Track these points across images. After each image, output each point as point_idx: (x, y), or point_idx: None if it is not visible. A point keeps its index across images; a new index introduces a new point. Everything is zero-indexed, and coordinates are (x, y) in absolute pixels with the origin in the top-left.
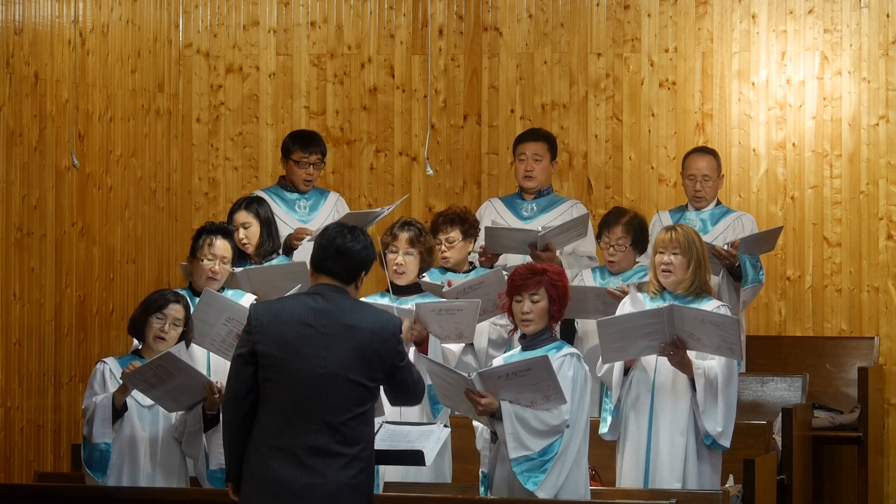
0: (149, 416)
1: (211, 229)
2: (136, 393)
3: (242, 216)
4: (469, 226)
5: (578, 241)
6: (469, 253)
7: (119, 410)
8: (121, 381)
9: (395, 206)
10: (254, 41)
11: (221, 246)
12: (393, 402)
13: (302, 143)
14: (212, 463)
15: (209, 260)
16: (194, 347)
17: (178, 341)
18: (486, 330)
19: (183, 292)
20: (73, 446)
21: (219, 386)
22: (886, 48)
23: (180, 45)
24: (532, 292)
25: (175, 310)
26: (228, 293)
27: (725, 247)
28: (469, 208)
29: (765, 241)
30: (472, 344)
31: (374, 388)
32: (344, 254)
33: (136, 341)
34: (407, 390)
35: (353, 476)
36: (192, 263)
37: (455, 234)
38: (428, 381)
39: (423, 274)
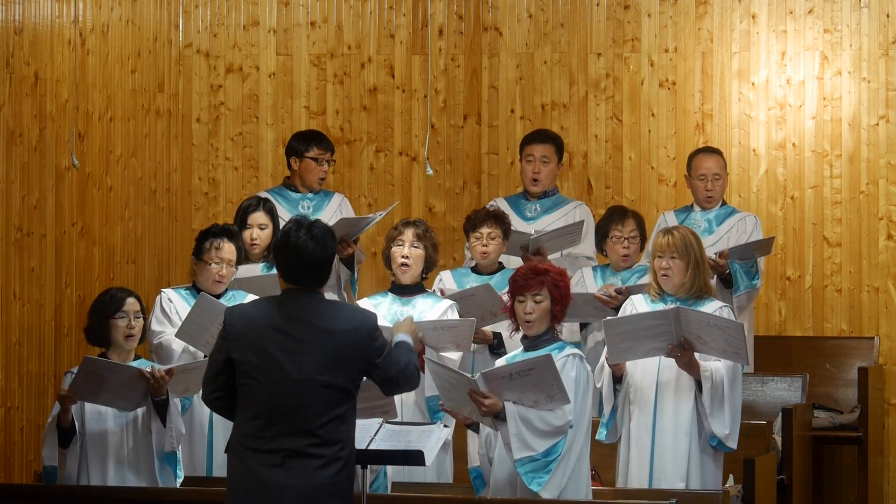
0: (118, 414)
1: (217, 232)
2: None
3: (261, 217)
4: (507, 227)
5: (572, 247)
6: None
7: (67, 429)
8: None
9: (386, 212)
10: (254, 41)
11: (228, 249)
12: (387, 394)
13: (317, 140)
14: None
15: (217, 263)
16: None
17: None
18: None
19: (186, 291)
20: None
21: (149, 372)
22: (886, 48)
23: (180, 45)
24: (535, 293)
25: (131, 303)
26: (230, 294)
27: (713, 257)
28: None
29: (756, 248)
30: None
31: (352, 388)
32: (300, 256)
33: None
34: (392, 382)
35: (332, 476)
36: (197, 265)
37: (497, 231)
38: (429, 392)
39: (426, 275)
